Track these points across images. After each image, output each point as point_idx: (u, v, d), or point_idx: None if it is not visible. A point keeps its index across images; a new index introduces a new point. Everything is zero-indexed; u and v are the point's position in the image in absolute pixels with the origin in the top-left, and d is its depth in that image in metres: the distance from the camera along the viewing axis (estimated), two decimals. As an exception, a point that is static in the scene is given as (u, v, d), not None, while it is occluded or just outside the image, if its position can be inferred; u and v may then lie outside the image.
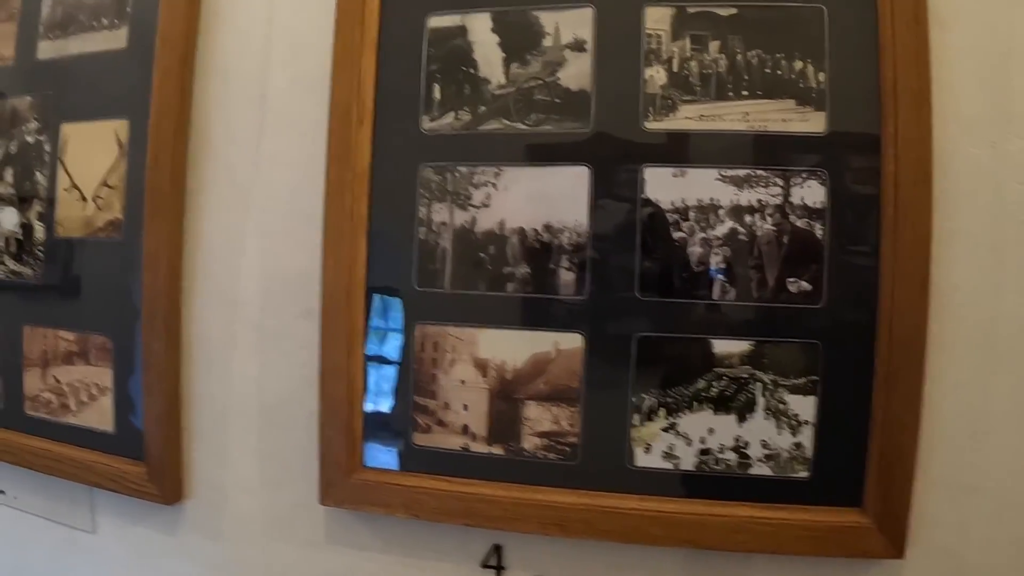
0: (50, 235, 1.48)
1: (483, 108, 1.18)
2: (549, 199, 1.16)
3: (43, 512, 1.57)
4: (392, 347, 1.22)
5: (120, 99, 1.39)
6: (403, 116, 1.22)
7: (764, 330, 1.12)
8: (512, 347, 1.18)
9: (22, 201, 1.52)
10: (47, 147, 1.47)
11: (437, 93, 1.21)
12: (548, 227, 1.15)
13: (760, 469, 1.13)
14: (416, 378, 1.22)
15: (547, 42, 1.17)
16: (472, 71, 1.20)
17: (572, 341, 1.16)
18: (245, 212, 1.34)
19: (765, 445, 1.12)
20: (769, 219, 1.10)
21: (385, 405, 1.24)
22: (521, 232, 1.16)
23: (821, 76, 1.10)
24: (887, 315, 1.08)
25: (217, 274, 1.36)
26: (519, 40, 1.19)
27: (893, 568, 1.14)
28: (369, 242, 1.23)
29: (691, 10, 1.14)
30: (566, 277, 1.15)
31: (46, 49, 1.50)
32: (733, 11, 1.13)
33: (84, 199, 1.42)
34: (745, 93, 1.12)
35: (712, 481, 1.15)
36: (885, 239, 1.08)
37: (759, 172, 1.11)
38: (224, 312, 1.36)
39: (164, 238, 1.33)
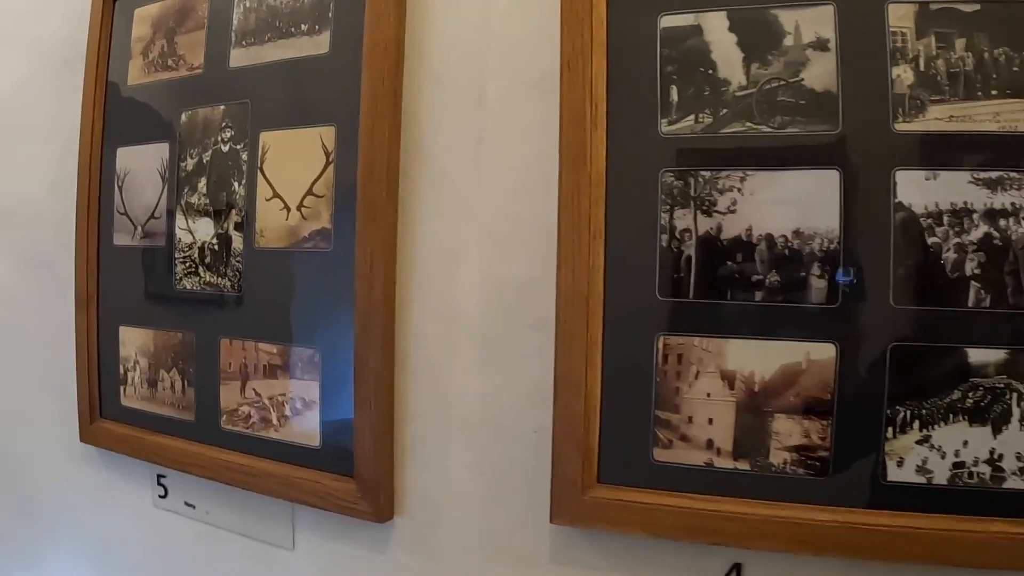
0: (249, 245, 1.51)
1: (725, 110, 1.18)
2: (798, 204, 1.16)
3: (237, 527, 1.60)
4: (632, 359, 1.22)
5: (325, 105, 1.42)
6: (639, 119, 1.22)
7: (1021, 338, 1.10)
8: (761, 358, 1.18)
9: (217, 212, 1.55)
10: (244, 156, 1.51)
11: (674, 95, 1.21)
12: (798, 233, 1.15)
13: (1014, 483, 1.11)
14: (658, 391, 1.22)
15: (788, 41, 1.17)
16: (711, 72, 1.20)
17: (824, 351, 1.15)
18: (464, 219, 1.35)
19: (1019, 458, 1.10)
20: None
21: (623, 419, 1.24)
22: (769, 238, 1.16)
23: (1071, 75, 1.06)
24: None
25: (435, 284, 1.37)
26: (758, 39, 1.18)
27: None
28: (607, 250, 1.22)
29: (934, 7, 1.13)
30: (817, 285, 1.15)
31: (239, 57, 1.54)
32: (976, 7, 1.11)
33: (287, 208, 1.45)
34: (994, 92, 1.11)
35: (964, 495, 1.13)
36: None
37: (1012, 174, 1.09)
38: (443, 323, 1.37)
39: (379, 248, 1.34)
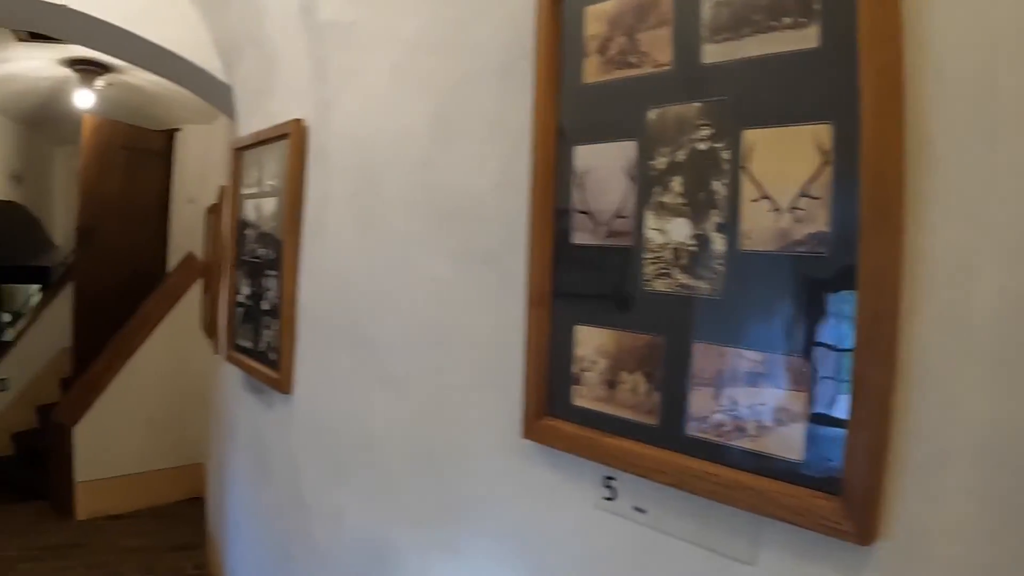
0: (732, 248, 1.53)
1: None
2: None
3: (691, 537, 1.63)
4: None
5: (817, 102, 1.41)
6: None
7: None
8: None
9: (695, 212, 1.57)
10: (724, 155, 1.52)
11: None
12: None
13: None
14: None
15: None
16: None
17: None
18: (978, 228, 1.28)
19: None
20: None
21: None
22: None
23: None
24: None
25: (944, 297, 1.31)
26: None
27: None
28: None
29: None
30: None
31: (713, 53, 1.56)
32: None
33: (778, 210, 1.45)
34: None
35: None
36: None
37: None
38: (952, 339, 1.31)
39: (886, 255, 1.31)
